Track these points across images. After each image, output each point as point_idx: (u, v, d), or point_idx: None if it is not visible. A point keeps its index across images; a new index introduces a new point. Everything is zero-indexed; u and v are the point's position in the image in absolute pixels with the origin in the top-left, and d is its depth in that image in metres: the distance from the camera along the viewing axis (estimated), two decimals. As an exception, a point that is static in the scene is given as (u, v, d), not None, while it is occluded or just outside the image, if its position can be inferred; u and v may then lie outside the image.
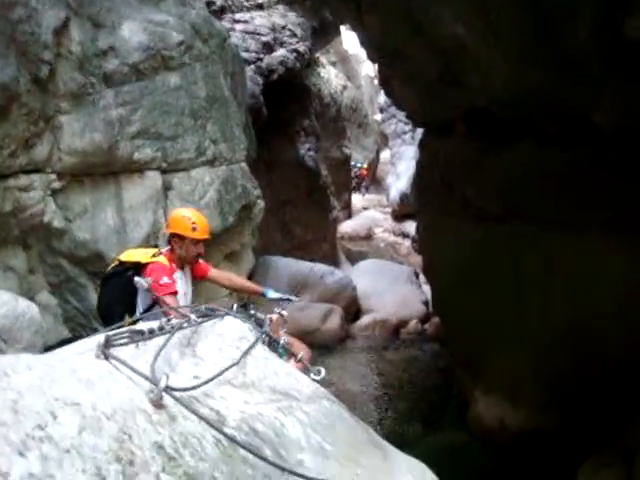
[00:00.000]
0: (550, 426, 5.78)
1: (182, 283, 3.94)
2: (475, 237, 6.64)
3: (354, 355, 9.59)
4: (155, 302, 3.66)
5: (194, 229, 3.89)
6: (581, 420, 5.58)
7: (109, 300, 3.90)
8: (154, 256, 3.88)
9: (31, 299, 4.77)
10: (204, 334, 2.00)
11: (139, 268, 3.79)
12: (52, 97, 5.69)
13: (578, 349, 5.64)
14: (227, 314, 2.20)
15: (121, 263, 3.92)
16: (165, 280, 3.67)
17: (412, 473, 1.97)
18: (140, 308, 3.77)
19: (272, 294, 4.06)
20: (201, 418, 1.44)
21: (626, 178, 5.06)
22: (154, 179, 6.69)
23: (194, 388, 1.56)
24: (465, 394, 7.22)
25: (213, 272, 4.24)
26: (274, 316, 3.45)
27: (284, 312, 3.61)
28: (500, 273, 6.34)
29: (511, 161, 5.85)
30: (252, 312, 2.69)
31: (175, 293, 3.70)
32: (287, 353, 2.73)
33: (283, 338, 3.00)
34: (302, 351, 3.08)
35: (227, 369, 1.74)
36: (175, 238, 3.93)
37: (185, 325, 1.95)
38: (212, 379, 1.64)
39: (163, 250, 3.99)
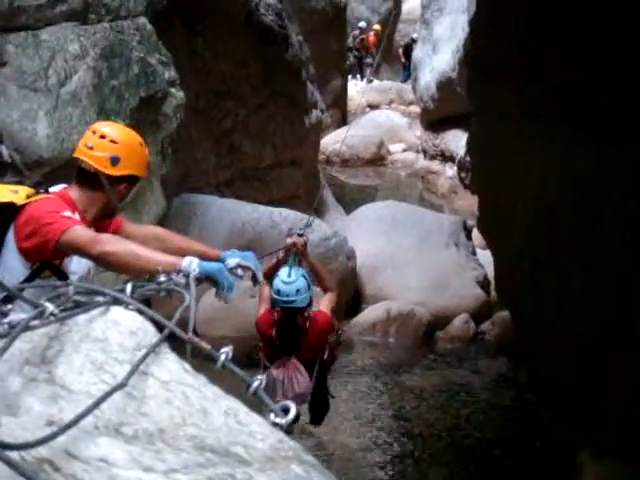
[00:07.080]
0: None
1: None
2: (582, 158, 6.62)
3: (350, 380, 9.68)
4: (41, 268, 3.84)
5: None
6: None
7: None
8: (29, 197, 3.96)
9: None
10: (70, 340, 1.98)
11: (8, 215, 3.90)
12: None
13: None
14: (115, 301, 2.18)
15: None
16: (68, 213, 3.84)
17: None
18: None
19: (233, 261, 3.90)
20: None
21: None
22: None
23: (45, 442, 1.53)
24: (561, 455, 7.33)
25: (131, 228, 4.36)
26: (300, 240, 6.17)
27: (304, 235, 6.08)
28: (625, 224, 6.34)
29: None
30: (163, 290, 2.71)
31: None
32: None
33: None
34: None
35: (103, 400, 1.72)
36: (123, 184, 4.09)
37: (35, 324, 1.92)
38: (76, 422, 1.62)
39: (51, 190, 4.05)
